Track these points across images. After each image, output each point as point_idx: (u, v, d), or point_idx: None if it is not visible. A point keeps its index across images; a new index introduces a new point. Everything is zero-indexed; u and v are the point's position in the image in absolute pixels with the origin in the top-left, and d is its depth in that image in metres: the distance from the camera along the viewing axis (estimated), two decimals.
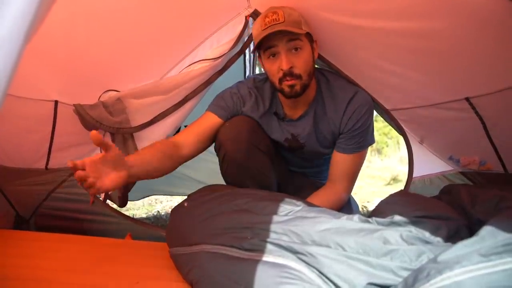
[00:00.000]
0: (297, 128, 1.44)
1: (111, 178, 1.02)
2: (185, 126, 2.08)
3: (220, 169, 1.44)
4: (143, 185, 2.25)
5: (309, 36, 1.30)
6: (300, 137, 1.45)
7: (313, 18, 1.32)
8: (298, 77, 1.26)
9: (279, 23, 1.22)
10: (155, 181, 2.31)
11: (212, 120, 1.42)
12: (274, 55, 1.27)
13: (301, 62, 1.26)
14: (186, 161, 1.39)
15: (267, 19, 1.24)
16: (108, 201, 1.67)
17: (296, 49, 1.25)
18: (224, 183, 1.47)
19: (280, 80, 1.27)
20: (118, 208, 1.68)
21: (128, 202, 1.63)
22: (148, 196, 2.57)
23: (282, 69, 1.24)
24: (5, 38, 0.39)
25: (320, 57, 1.49)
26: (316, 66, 1.54)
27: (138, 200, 2.53)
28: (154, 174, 1.25)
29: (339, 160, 1.41)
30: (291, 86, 1.26)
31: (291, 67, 1.24)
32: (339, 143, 1.41)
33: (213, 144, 1.44)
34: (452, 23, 1.10)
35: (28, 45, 0.43)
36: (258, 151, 1.39)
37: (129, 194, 2.01)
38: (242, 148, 1.35)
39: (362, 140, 1.39)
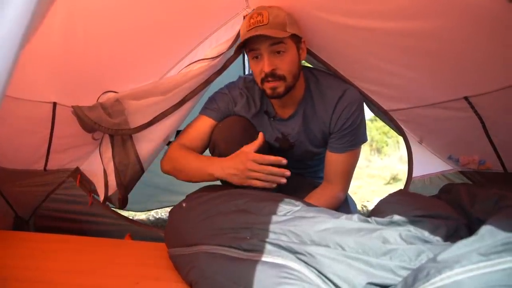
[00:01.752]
0: (287, 127, 1.45)
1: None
2: None
3: None
4: (147, 198, 2.25)
5: (295, 37, 1.29)
6: (290, 136, 1.45)
7: (309, 18, 1.32)
8: (282, 78, 1.26)
9: (263, 25, 1.22)
10: (158, 192, 2.29)
11: (207, 123, 1.44)
12: (257, 56, 1.27)
13: (284, 64, 1.26)
14: None
15: (251, 20, 1.25)
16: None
17: (279, 52, 1.25)
18: None
19: (262, 81, 1.28)
20: (117, 209, 1.67)
21: (128, 204, 1.62)
22: (153, 209, 2.53)
23: (264, 71, 1.25)
24: (4, 38, 0.39)
25: (316, 57, 1.49)
26: (308, 65, 1.55)
27: (141, 211, 2.49)
28: None
29: (333, 159, 1.41)
30: (273, 88, 1.27)
31: (273, 69, 1.24)
32: (331, 143, 1.41)
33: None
34: (449, 22, 1.10)
35: (26, 46, 0.43)
36: None
37: (134, 206, 2.03)
38: (236, 148, 1.35)
39: (354, 138, 1.39)
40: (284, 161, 1.22)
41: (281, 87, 1.27)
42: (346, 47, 1.41)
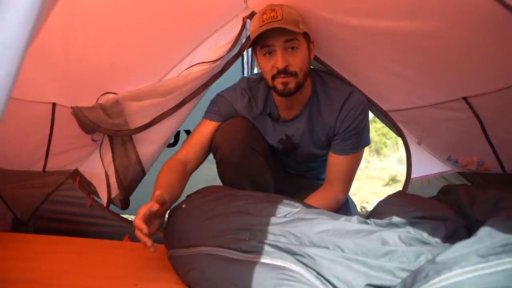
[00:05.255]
0: (291, 129, 1.44)
1: (155, 225, 1.10)
2: (185, 131, 2.09)
3: (217, 171, 1.44)
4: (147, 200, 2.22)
5: (306, 36, 1.29)
6: (294, 137, 1.45)
7: (310, 18, 1.32)
8: (294, 74, 1.25)
9: (277, 20, 1.21)
10: None
11: (208, 127, 1.44)
12: (270, 52, 1.26)
13: (297, 61, 1.25)
14: (193, 172, 1.42)
15: (265, 16, 1.24)
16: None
17: (292, 48, 1.24)
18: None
19: (273, 77, 1.27)
20: (117, 211, 1.67)
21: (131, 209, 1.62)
22: None
23: (277, 67, 1.24)
24: (8, 43, 0.39)
25: (315, 57, 1.49)
26: (311, 66, 1.55)
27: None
28: (178, 197, 1.29)
29: (335, 161, 1.41)
30: (284, 84, 1.26)
31: (286, 66, 1.23)
32: (335, 145, 1.41)
33: None
34: (449, 23, 1.10)
35: None
36: (254, 152, 1.39)
37: (136, 211, 2.01)
38: (238, 149, 1.35)
39: (357, 141, 1.39)
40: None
41: (292, 82, 1.26)
42: (346, 47, 1.41)
